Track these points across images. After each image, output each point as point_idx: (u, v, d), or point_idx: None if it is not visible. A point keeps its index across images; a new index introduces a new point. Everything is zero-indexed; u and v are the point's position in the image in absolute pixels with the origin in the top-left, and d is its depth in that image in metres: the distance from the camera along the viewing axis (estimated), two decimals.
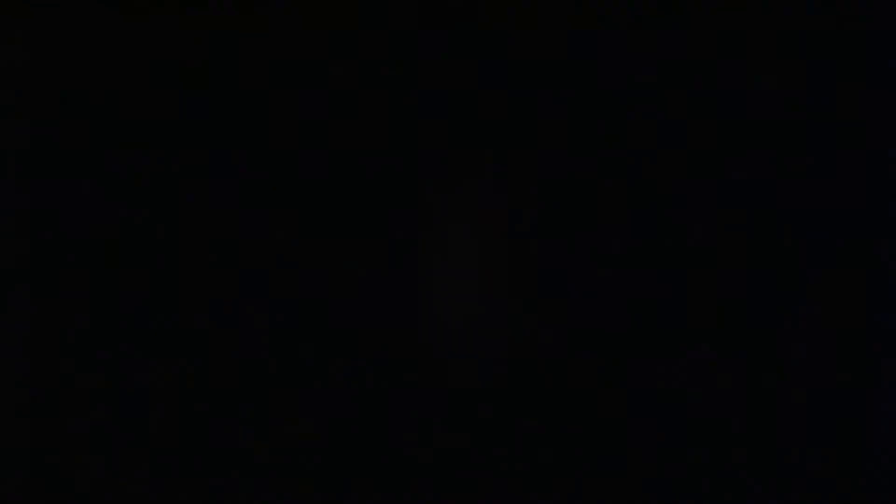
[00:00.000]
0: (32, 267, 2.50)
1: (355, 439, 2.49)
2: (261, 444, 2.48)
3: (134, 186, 2.51)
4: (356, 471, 2.48)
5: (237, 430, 2.48)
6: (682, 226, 2.52)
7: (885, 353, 2.49)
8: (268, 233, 2.51)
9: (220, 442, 2.48)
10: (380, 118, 2.52)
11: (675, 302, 2.51)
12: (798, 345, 2.51)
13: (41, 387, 2.49)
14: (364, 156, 2.53)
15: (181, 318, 2.49)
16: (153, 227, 2.51)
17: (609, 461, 2.49)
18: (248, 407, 2.49)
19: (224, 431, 2.49)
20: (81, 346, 2.50)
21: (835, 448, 2.49)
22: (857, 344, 2.50)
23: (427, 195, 2.52)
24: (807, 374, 2.50)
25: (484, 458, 2.49)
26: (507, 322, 2.51)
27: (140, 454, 2.48)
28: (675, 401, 2.49)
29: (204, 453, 2.48)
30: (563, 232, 2.52)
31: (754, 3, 2.50)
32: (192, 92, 2.52)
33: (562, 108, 2.52)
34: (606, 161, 2.52)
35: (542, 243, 2.52)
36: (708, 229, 2.52)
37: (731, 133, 2.53)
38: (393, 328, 2.51)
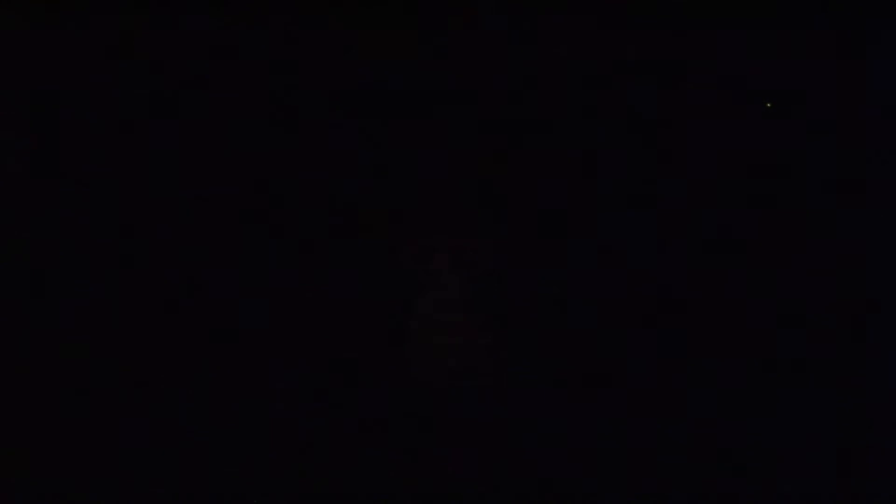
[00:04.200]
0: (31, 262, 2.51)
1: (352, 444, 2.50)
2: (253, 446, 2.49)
3: (137, 186, 2.52)
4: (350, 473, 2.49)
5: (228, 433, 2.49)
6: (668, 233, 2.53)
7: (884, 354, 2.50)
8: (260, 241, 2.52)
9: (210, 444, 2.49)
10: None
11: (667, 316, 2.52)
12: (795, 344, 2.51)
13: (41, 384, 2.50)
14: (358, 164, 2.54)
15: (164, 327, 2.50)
16: (155, 230, 2.52)
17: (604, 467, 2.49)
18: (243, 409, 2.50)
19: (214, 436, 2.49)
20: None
21: (834, 449, 2.49)
22: (856, 344, 2.51)
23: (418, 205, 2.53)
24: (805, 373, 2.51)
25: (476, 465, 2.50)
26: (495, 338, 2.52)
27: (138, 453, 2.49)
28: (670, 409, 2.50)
29: (196, 453, 2.49)
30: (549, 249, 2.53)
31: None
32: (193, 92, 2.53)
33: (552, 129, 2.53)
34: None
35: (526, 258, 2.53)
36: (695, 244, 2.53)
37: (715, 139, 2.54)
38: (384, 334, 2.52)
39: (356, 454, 2.50)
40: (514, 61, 2.53)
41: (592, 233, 2.52)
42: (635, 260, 2.53)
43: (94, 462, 2.48)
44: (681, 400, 2.50)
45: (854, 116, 2.53)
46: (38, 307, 2.51)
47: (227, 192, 2.54)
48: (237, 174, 2.54)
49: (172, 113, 2.53)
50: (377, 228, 2.53)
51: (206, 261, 2.52)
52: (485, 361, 2.52)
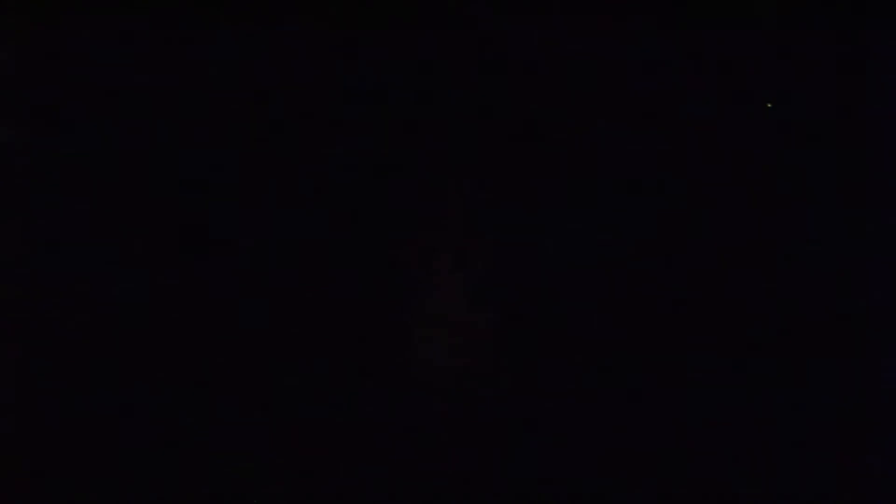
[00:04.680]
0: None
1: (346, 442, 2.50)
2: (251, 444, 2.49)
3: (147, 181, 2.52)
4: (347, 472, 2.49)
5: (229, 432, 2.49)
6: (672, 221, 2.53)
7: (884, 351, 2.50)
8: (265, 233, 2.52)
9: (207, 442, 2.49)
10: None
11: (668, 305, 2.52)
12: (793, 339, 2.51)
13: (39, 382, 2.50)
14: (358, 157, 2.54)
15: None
16: (154, 230, 2.52)
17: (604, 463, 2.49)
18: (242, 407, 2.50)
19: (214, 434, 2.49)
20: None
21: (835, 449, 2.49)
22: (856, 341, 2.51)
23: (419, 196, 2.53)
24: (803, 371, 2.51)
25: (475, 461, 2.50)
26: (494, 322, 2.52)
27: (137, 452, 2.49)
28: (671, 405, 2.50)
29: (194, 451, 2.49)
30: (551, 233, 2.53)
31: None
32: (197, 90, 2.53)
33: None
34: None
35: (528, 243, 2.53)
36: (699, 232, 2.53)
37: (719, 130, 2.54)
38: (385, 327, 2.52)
39: (356, 454, 2.50)
40: (514, 61, 2.53)
41: (593, 233, 2.52)
42: (636, 260, 2.53)
43: (94, 462, 2.48)
44: (681, 400, 2.50)
45: (854, 116, 2.53)
46: (38, 306, 2.51)
47: (226, 192, 2.53)
48: (236, 174, 2.54)
49: (172, 113, 2.53)
50: (377, 228, 2.53)
51: (205, 260, 2.52)
52: (485, 361, 2.52)
